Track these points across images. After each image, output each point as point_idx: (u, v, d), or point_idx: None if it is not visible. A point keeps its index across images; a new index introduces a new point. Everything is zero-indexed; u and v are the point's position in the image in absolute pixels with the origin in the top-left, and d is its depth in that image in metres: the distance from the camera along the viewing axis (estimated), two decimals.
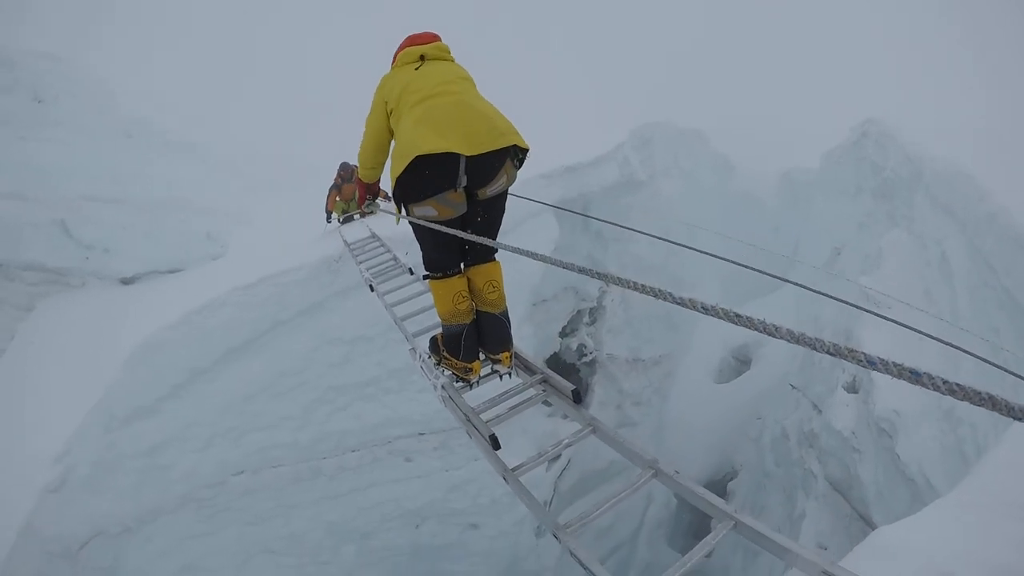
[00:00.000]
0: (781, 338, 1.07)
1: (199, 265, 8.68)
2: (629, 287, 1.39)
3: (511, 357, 3.08)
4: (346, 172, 8.65)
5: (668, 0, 22.79)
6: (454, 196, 2.69)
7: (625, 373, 13.65)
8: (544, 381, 2.74)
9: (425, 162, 2.58)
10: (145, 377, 6.37)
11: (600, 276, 1.58)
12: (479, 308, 3.04)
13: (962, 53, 15.37)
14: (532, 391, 2.75)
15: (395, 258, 5.08)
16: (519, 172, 2.90)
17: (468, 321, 2.92)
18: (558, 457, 9.53)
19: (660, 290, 1.31)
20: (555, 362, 12.49)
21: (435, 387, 2.93)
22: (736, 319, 1.16)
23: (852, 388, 8.83)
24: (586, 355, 12.85)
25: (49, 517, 5.71)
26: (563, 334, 12.37)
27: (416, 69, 2.94)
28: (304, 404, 7.41)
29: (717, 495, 1.91)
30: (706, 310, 1.21)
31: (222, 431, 6.96)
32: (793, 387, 12.05)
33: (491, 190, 2.78)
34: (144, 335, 6.49)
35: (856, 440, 8.39)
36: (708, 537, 1.86)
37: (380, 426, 7.91)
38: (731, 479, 13.93)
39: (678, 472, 2.04)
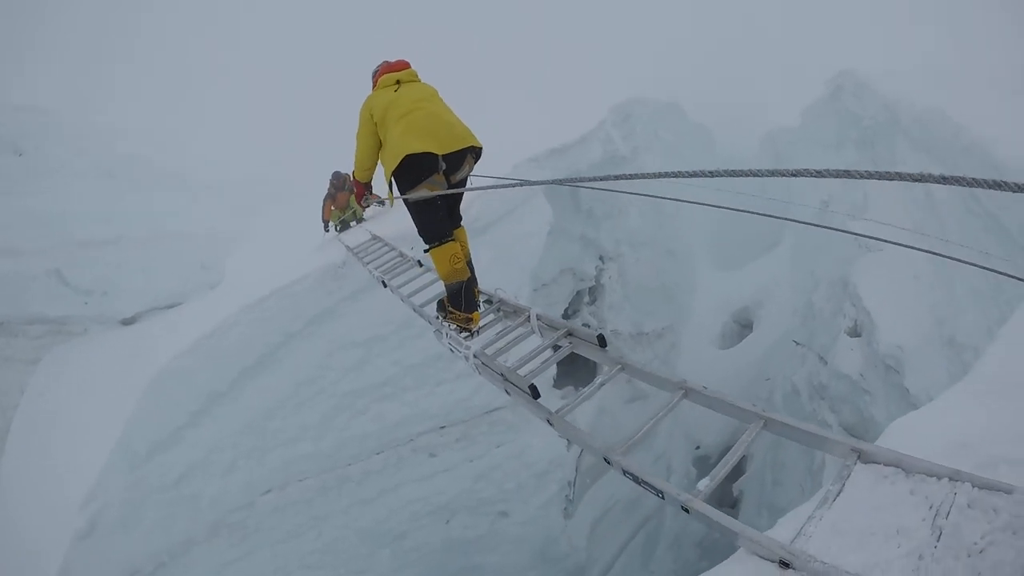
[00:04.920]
0: None
1: (198, 296, 8.70)
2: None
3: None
4: (338, 181, 8.59)
5: None
6: (439, 178, 3.62)
7: (631, 348, 13.82)
8: (570, 334, 2.87)
9: (412, 160, 3.48)
10: (162, 408, 6.39)
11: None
12: None
13: None
14: (561, 343, 2.88)
15: (402, 254, 5.12)
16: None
17: (465, 278, 3.61)
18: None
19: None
20: None
21: (467, 357, 3.08)
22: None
23: (855, 332, 8.99)
24: None
25: (83, 563, 5.70)
26: (565, 316, 12.49)
27: (395, 91, 3.84)
28: (323, 412, 7.43)
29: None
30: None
31: (245, 451, 7.00)
32: (797, 343, 12.22)
33: (458, 176, 3.77)
34: (157, 367, 6.47)
35: (865, 382, 8.54)
36: (743, 437, 1.99)
37: (400, 424, 7.95)
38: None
39: (706, 388, 2.19)
